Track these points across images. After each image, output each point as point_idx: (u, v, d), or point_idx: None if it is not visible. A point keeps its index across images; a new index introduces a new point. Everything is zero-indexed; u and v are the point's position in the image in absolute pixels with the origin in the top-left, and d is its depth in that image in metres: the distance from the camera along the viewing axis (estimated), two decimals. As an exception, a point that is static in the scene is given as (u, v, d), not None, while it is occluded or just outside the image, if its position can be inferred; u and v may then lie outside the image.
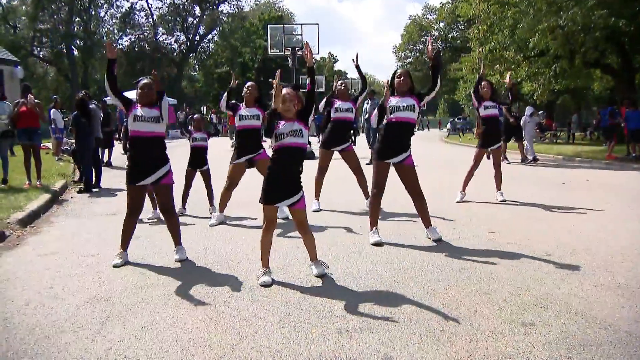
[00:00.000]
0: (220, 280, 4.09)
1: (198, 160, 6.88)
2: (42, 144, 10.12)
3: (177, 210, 6.72)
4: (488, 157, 8.80)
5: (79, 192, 8.91)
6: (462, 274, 4.18)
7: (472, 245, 5.07)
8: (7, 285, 4.05)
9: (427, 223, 5.33)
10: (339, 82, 7.07)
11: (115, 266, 4.51)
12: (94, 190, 9.10)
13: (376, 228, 5.25)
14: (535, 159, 13.86)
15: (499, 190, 7.65)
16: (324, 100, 7.03)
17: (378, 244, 5.07)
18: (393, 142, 5.16)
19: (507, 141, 13.58)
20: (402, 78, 5.22)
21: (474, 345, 2.90)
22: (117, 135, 15.87)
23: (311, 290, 3.83)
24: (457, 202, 7.45)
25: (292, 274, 4.19)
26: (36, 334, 3.14)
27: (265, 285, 3.93)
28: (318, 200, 6.99)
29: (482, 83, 7.70)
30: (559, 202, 7.37)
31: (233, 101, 6.34)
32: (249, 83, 6.37)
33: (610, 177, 10.49)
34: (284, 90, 4.01)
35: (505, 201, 7.44)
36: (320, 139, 7.69)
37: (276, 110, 3.95)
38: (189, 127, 6.99)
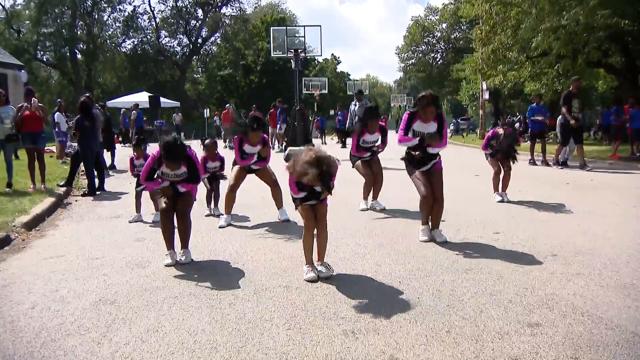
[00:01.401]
0: (226, 283, 4.09)
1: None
2: (46, 148, 10.16)
3: (206, 212, 6.87)
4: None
5: (83, 195, 8.94)
6: (467, 274, 4.17)
7: (477, 246, 5.06)
8: (13, 289, 4.07)
9: (435, 225, 5.34)
10: (368, 114, 6.96)
11: (166, 265, 4.58)
12: (97, 193, 9.12)
13: (426, 227, 5.36)
14: (557, 163, 12.89)
15: (504, 191, 7.68)
16: (355, 134, 7.06)
17: (425, 241, 5.21)
18: (418, 161, 5.28)
19: (565, 144, 12.40)
20: (423, 106, 5.10)
21: (480, 346, 2.90)
22: (119, 138, 15.92)
23: (316, 292, 3.83)
24: (498, 201, 7.54)
25: (298, 276, 4.19)
26: (42, 337, 3.15)
27: (312, 280, 4.04)
28: (366, 200, 7.19)
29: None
30: (564, 202, 7.34)
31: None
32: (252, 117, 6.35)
33: (615, 177, 10.46)
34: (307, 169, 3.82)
35: (503, 202, 7.47)
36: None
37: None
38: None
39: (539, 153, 13.42)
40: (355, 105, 14.34)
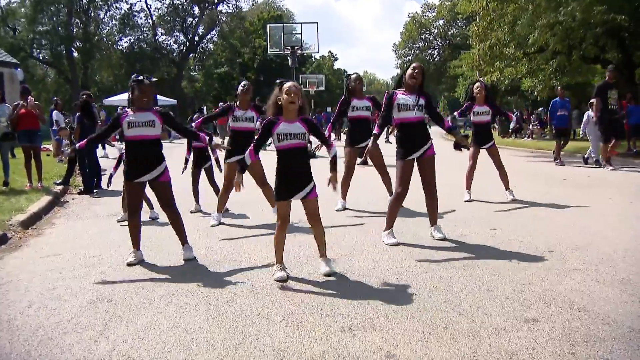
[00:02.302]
0: (223, 280, 4.09)
1: (200, 158, 6.97)
2: (42, 146, 10.13)
3: (193, 207, 6.88)
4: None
5: (79, 193, 8.93)
6: (464, 271, 4.18)
7: (474, 243, 5.07)
8: (9, 287, 4.06)
9: (433, 221, 5.29)
10: (354, 77, 6.89)
11: (129, 264, 4.55)
12: (94, 191, 9.11)
13: (392, 229, 5.18)
14: (597, 162, 11.64)
15: (508, 189, 7.45)
16: (340, 102, 6.95)
17: (395, 245, 5.03)
18: (411, 140, 5.04)
19: (608, 140, 11.18)
20: (416, 71, 4.97)
21: (477, 342, 2.90)
22: (116, 136, 15.87)
23: (313, 289, 3.83)
24: (465, 201, 7.32)
25: (295, 273, 4.18)
26: (39, 335, 3.14)
27: (282, 280, 3.99)
28: (344, 200, 6.95)
29: (476, 84, 7.59)
30: (561, 198, 7.36)
31: (227, 103, 6.44)
32: (244, 82, 6.38)
33: (612, 173, 10.47)
34: (289, 83, 4.01)
35: (516, 200, 7.28)
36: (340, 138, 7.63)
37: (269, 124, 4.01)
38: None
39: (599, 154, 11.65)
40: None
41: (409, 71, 5.02)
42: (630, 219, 6.01)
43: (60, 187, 9.18)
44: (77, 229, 6.23)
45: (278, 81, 4.10)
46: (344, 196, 6.96)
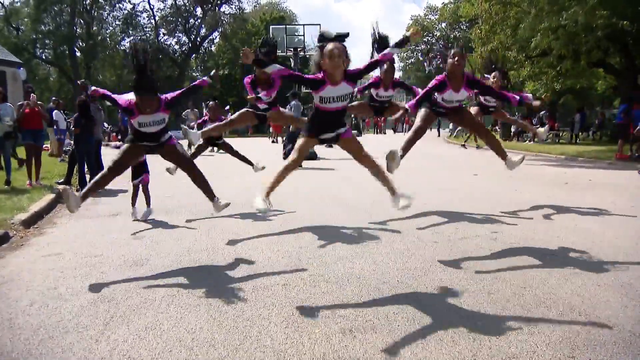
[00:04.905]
0: (224, 280, 4.09)
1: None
2: (44, 146, 10.16)
3: (172, 165, 6.95)
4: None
5: (77, 191, 8.95)
6: (465, 273, 4.18)
7: (475, 245, 5.06)
8: (11, 286, 4.07)
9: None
10: (385, 69, 6.88)
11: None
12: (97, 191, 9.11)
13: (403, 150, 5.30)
14: None
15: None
16: (368, 83, 7.01)
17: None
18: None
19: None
20: (456, 59, 4.87)
21: (478, 345, 2.90)
22: (118, 135, 15.93)
23: (314, 290, 3.83)
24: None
25: (296, 274, 4.19)
26: (40, 334, 3.15)
27: (262, 212, 3.99)
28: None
29: (493, 73, 7.64)
30: (562, 201, 7.35)
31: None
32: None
33: (613, 177, 10.46)
34: (331, 45, 3.75)
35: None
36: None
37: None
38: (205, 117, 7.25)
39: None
40: (290, 107, 13.39)
41: (450, 60, 5.07)
42: (631, 222, 6.01)
43: (62, 186, 9.19)
44: (78, 228, 6.24)
45: (318, 44, 3.88)
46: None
